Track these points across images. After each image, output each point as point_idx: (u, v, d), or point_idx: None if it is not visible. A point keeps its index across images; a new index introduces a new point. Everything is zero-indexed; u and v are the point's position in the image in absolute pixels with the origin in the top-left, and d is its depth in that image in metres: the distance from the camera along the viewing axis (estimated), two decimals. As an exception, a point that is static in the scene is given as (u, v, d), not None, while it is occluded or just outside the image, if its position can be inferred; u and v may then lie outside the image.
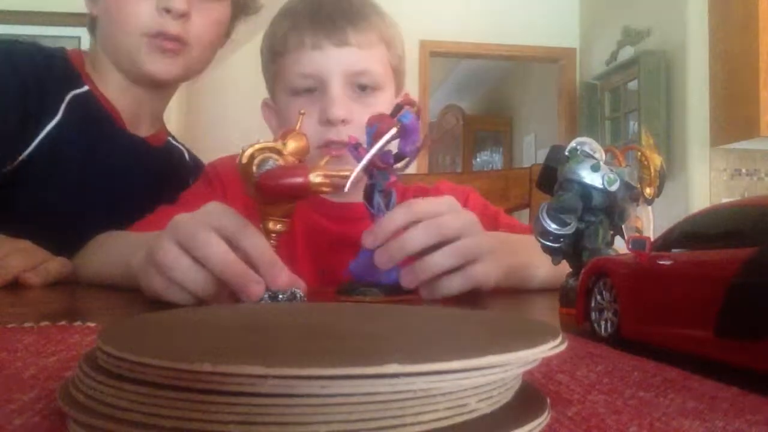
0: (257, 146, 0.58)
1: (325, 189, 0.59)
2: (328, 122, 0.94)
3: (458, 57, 5.86)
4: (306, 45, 0.96)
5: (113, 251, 0.84)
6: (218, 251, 0.56)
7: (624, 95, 4.58)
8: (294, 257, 0.98)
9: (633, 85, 4.39)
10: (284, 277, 0.58)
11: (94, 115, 1.05)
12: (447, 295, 0.71)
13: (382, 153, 0.68)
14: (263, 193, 0.58)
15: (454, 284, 0.71)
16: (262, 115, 1.09)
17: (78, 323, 0.44)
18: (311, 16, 0.97)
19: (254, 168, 0.57)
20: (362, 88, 0.98)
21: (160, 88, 1.11)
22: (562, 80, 5.43)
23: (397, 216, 0.70)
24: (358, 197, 1.01)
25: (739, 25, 3.67)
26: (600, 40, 5.00)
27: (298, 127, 0.62)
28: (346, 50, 0.96)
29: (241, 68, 4.87)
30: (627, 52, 4.53)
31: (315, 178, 0.58)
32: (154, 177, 1.10)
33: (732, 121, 3.74)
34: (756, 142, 3.70)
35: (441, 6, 4.99)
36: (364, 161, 0.66)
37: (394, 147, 0.70)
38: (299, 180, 0.57)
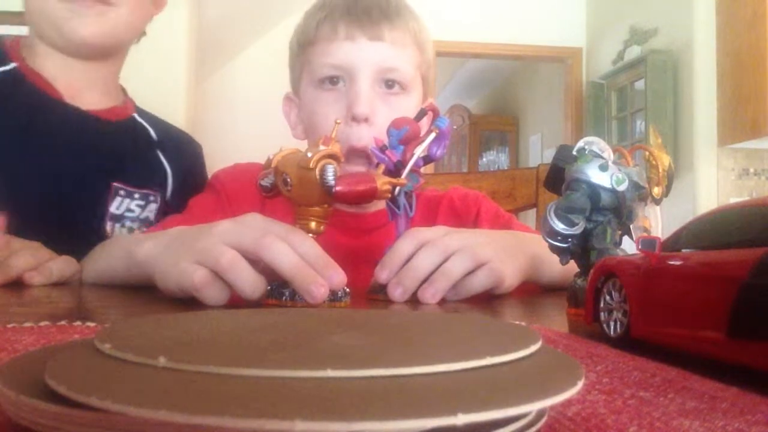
0: (320, 153, 0.61)
1: (387, 195, 0.64)
2: (352, 119, 0.94)
3: (464, 57, 5.85)
4: (339, 35, 0.96)
5: (117, 246, 0.84)
6: (287, 253, 0.59)
7: (631, 95, 4.57)
8: None
9: (640, 84, 4.38)
10: (340, 277, 0.60)
11: (23, 90, 1.04)
12: (471, 294, 0.71)
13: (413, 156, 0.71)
14: (337, 198, 0.61)
15: (477, 281, 0.71)
16: (282, 109, 1.09)
17: (78, 323, 0.44)
18: (347, 7, 0.97)
19: (317, 174, 0.60)
20: (390, 85, 0.97)
21: (99, 59, 1.09)
22: (568, 80, 5.43)
23: (403, 246, 0.70)
24: (373, 207, 1.01)
25: (747, 24, 3.66)
26: (607, 40, 4.99)
27: (333, 135, 0.64)
28: (379, 45, 0.96)
29: (247, 71, 4.89)
30: (634, 52, 4.51)
31: (383, 185, 0.62)
32: (107, 152, 1.08)
33: (739, 120, 3.72)
34: (764, 142, 3.69)
35: (447, 6, 4.98)
36: (413, 161, 0.70)
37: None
38: (371, 186, 0.62)
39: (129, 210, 1.07)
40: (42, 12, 1.01)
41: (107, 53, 1.09)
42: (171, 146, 1.18)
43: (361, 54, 0.95)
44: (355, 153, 0.93)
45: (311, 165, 0.60)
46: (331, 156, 0.62)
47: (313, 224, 0.64)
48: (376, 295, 0.70)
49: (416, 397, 0.18)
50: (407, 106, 0.97)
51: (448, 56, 5.32)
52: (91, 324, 0.44)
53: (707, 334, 0.31)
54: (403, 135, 0.69)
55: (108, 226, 1.05)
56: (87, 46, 1.04)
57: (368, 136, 0.91)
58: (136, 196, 1.08)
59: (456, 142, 7.81)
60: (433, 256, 0.69)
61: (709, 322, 0.31)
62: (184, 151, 1.21)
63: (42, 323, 0.43)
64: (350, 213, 1.03)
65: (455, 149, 7.94)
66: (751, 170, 3.96)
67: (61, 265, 0.84)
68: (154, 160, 1.14)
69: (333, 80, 0.97)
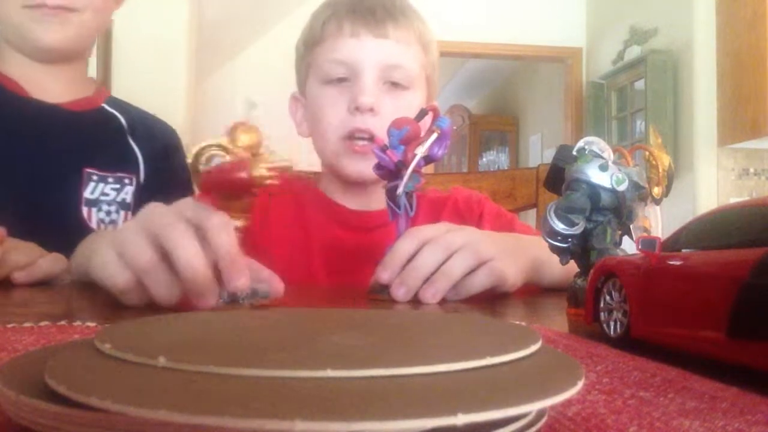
0: (203, 144, 0.58)
1: (270, 181, 0.58)
2: (356, 110, 0.95)
3: (464, 57, 5.85)
4: (344, 32, 0.98)
5: (86, 242, 0.81)
6: (189, 253, 0.53)
7: (631, 95, 4.57)
8: (311, 268, 0.99)
9: (640, 84, 4.38)
10: (242, 280, 0.54)
11: None
12: (472, 294, 0.71)
13: (415, 156, 0.71)
14: (206, 185, 0.58)
15: (477, 281, 0.71)
16: (288, 108, 1.11)
17: (78, 323, 0.44)
18: (353, 7, 1.00)
19: (201, 166, 0.57)
20: (393, 84, 0.99)
21: (64, 61, 1.09)
22: (568, 80, 5.42)
23: (404, 245, 0.70)
24: (376, 205, 1.02)
25: (747, 24, 3.66)
26: (607, 40, 4.99)
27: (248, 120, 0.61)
28: (383, 42, 0.98)
29: (247, 71, 4.89)
30: (634, 52, 4.51)
31: (259, 170, 0.57)
32: (75, 140, 1.09)
33: (739, 120, 3.72)
34: (764, 142, 3.69)
35: (447, 6, 4.98)
36: (415, 161, 0.70)
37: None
38: (242, 174, 0.57)
39: (104, 194, 1.08)
40: (6, 19, 1.02)
41: (72, 56, 1.11)
42: (142, 132, 1.19)
43: (365, 51, 0.97)
44: (359, 134, 0.96)
45: (190, 158, 0.58)
46: (220, 147, 0.58)
47: (233, 219, 0.58)
48: (376, 296, 0.70)
49: (416, 397, 0.18)
50: (411, 102, 0.99)
51: (449, 56, 5.31)
52: (91, 324, 0.44)
53: (707, 334, 0.31)
54: (404, 135, 0.70)
55: (84, 211, 1.06)
56: (52, 52, 1.05)
57: (373, 123, 0.93)
58: (110, 180, 1.09)
59: (456, 142, 7.80)
60: (436, 253, 0.69)
61: (709, 322, 0.31)
62: (156, 136, 1.22)
63: (42, 323, 0.43)
64: (353, 210, 1.04)
65: (455, 149, 7.94)
66: (751, 170, 3.96)
67: (49, 262, 0.84)
68: (125, 146, 1.15)
69: (339, 78, 0.99)
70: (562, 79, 5.54)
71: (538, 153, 6.41)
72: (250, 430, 0.16)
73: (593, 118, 4.92)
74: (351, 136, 0.96)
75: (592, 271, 0.44)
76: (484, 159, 7.80)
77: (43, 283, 0.82)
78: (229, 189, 0.58)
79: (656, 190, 0.57)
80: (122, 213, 1.10)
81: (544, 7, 5.24)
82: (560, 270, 0.79)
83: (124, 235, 0.57)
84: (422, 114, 0.75)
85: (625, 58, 4.64)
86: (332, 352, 0.23)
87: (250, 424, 0.16)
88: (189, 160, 0.58)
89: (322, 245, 1.01)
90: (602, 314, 0.42)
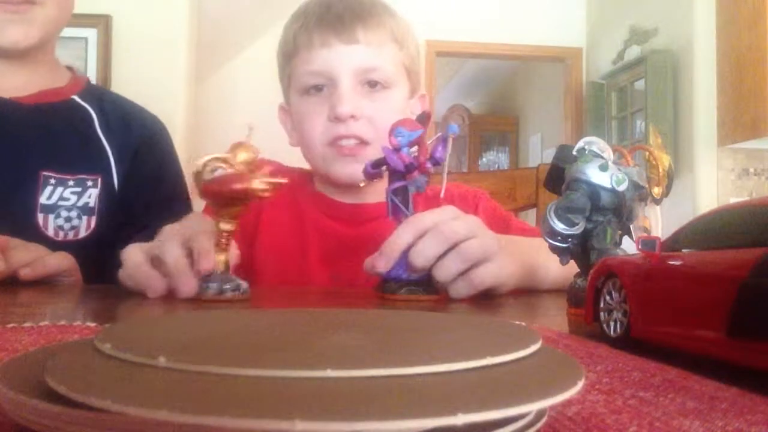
0: (209, 157, 0.65)
1: (265, 194, 0.65)
2: (336, 119, 0.95)
3: (464, 57, 5.85)
4: (315, 43, 0.97)
5: None
6: (173, 253, 0.68)
7: (631, 94, 4.57)
8: (306, 262, 0.99)
9: (640, 84, 4.38)
10: (206, 265, 0.66)
11: None
12: (461, 298, 0.71)
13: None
14: (209, 197, 0.67)
15: (461, 290, 0.71)
16: (278, 118, 1.10)
17: (78, 323, 0.44)
18: (320, 15, 0.99)
19: (205, 176, 0.65)
20: (372, 84, 0.98)
21: (23, 57, 1.03)
22: (568, 80, 5.42)
23: (403, 235, 0.70)
24: (369, 198, 1.02)
25: (747, 23, 3.66)
26: (607, 40, 4.98)
27: (247, 139, 0.67)
28: (354, 48, 0.97)
29: (247, 71, 4.89)
30: (634, 52, 4.51)
31: (257, 184, 0.64)
32: (31, 139, 1.02)
33: (739, 120, 3.72)
34: (764, 142, 3.68)
35: (447, 6, 4.98)
36: (446, 156, 0.73)
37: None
38: (240, 186, 0.64)
39: (63, 198, 1.00)
40: None
41: (34, 52, 1.04)
42: (117, 125, 1.10)
43: (338, 59, 0.97)
44: (344, 141, 0.96)
45: (196, 169, 0.65)
46: (222, 160, 0.64)
47: (221, 224, 0.67)
48: (391, 294, 0.71)
49: (416, 397, 0.18)
50: (393, 101, 0.99)
51: (448, 56, 5.32)
52: (91, 324, 0.44)
53: (707, 334, 0.31)
54: (415, 138, 0.71)
55: (40, 218, 0.99)
56: (17, 50, 1.00)
57: (357, 127, 0.95)
58: (71, 183, 1.01)
59: (456, 142, 7.79)
60: (436, 243, 0.70)
61: (709, 322, 0.31)
62: (132, 128, 1.12)
63: (42, 323, 0.43)
64: (348, 204, 1.04)
65: (455, 149, 7.92)
66: (751, 170, 3.95)
67: (56, 260, 0.84)
68: (94, 143, 1.07)
69: (317, 87, 0.99)
70: (562, 79, 5.53)
71: (538, 153, 6.41)
72: (250, 430, 0.16)
73: (593, 118, 4.92)
74: (335, 140, 0.97)
75: (592, 271, 0.44)
76: (484, 159, 7.80)
77: (49, 282, 0.82)
78: (227, 197, 0.66)
79: (656, 190, 0.57)
80: (85, 218, 1.02)
81: (544, 7, 5.23)
82: (557, 273, 0.79)
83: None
84: (422, 118, 0.76)
85: (625, 58, 4.63)
86: (332, 352, 0.23)
87: (250, 424, 0.16)
88: (194, 170, 0.65)
89: (318, 237, 1.02)
90: (602, 314, 0.42)
